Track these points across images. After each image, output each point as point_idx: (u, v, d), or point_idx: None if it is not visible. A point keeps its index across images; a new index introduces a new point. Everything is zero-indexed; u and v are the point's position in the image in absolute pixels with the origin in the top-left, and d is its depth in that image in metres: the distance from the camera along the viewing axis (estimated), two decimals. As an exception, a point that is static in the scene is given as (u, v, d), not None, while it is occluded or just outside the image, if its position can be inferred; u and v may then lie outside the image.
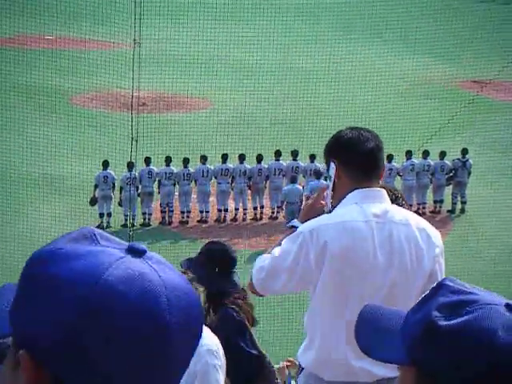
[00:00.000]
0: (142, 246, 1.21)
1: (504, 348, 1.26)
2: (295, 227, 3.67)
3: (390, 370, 3.43)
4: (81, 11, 25.90)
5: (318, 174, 19.11)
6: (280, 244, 3.61)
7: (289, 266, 3.48)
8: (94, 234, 1.20)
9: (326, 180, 3.80)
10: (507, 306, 1.32)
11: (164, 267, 1.19)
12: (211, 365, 3.93)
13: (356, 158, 3.59)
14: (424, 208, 20.57)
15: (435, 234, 3.59)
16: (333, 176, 3.62)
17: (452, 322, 1.30)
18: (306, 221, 3.65)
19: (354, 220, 3.49)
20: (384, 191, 3.62)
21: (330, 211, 3.64)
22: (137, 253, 1.19)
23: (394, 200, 3.80)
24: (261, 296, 3.78)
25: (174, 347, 1.15)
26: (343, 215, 3.51)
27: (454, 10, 27.42)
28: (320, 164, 19.49)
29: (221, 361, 4.03)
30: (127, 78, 19.96)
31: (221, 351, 4.04)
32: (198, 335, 1.20)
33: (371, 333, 1.36)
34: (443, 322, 1.30)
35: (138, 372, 1.14)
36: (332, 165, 3.62)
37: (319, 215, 3.63)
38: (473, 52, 25.88)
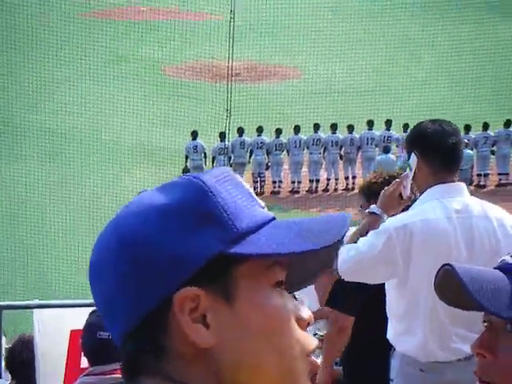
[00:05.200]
0: None
1: None
2: (375, 213, 3.87)
3: None
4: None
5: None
6: (361, 232, 3.81)
7: (375, 261, 3.65)
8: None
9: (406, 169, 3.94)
10: None
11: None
12: None
13: (439, 153, 3.71)
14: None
15: None
16: (413, 167, 3.76)
17: None
18: (384, 206, 3.86)
19: (438, 217, 3.63)
20: (463, 185, 3.77)
21: (410, 201, 3.83)
22: None
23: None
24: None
25: None
26: (427, 212, 3.65)
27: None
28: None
29: None
30: (220, 49, 20.09)
31: None
32: None
33: (490, 294, 1.32)
34: None
35: None
36: (413, 155, 3.76)
37: (398, 202, 3.84)
38: None
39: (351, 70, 24.29)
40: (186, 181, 1.07)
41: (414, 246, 3.59)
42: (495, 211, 3.75)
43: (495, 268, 1.38)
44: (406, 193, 3.83)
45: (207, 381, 1.01)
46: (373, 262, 3.65)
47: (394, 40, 25.66)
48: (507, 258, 1.38)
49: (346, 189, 19.89)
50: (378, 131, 19.95)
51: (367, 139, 19.78)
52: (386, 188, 3.93)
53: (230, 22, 16.87)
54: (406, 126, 19.85)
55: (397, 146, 19.85)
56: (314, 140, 19.73)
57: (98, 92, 21.82)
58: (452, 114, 21.07)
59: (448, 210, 3.65)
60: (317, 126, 19.90)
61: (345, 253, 3.74)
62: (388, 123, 20.05)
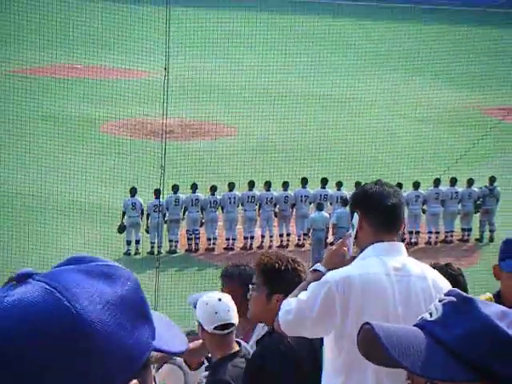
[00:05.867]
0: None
1: None
2: (319, 271, 3.93)
3: None
4: (109, 41, 26.19)
5: (344, 202, 19.06)
6: (304, 288, 3.83)
7: (314, 313, 3.71)
8: None
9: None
10: None
11: None
12: None
13: (379, 212, 3.89)
14: (452, 236, 20.41)
15: (446, 286, 3.82)
16: (356, 225, 3.91)
17: None
18: (328, 265, 3.94)
19: (376, 273, 3.76)
20: (402, 245, 3.95)
21: (353, 258, 3.94)
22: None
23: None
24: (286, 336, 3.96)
25: None
26: (367, 268, 3.77)
27: (477, 41, 27.44)
28: (347, 192, 19.48)
29: None
30: (154, 106, 20.12)
31: None
32: None
33: (408, 352, 1.31)
34: None
35: None
36: (356, 215, 3.93)
37: (341, 261, 3.94)
38: (500, 79, 25.81)
39: (285, 128, 24.56)
40: (119, 271, 1.03)
41: (352, 298, 3.67)
42: (432, 273, 3.88)
43: (414, 325, 1.38)
44: (349, 252, 3.96)
45: None
46: (312, 312, 3.68)
47: (327, 99, 26.08)
48: (425, 316, 1.39)
49: (281, 246, 19.94)
50: (312, 189, 20.14)
51: (301, 197, 19.93)
52: (330, 247, 4.07)
53: (164, 79, 16.92)
54: (339, 184, 20.12)
55: (331, 204, 20.04)
56: (248, 197, 19.79)
57: (31, 149, 21.57)
58: (385, 172, 21.46)
59: (387, 268, 3.76)
60: (251, 183, 20.00)
61: (286, 305, 3.77)
62: (324, 181, 20.28)
